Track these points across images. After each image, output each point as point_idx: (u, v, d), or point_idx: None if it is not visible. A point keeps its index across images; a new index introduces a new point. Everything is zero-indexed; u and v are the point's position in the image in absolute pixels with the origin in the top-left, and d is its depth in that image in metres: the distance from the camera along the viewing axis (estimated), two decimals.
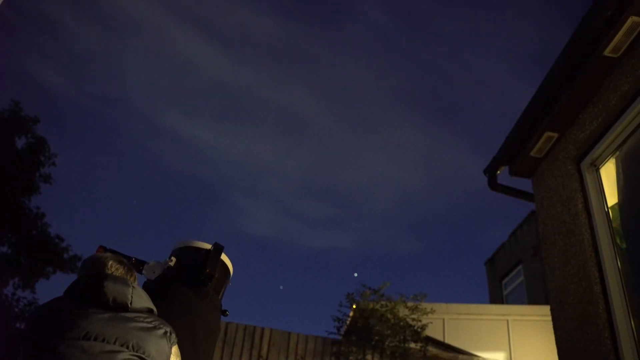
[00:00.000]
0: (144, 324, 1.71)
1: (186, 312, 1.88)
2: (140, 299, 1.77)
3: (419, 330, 7.63)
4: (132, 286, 1.77)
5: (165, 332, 1.73)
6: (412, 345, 7.49)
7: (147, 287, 1.94)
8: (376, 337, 7.39)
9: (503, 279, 15.46)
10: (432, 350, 7.66)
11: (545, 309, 7.44)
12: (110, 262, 1.87)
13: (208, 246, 2.04)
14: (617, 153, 3.57)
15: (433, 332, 8.27)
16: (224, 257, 2.07)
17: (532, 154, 4.28)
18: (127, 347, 1.62)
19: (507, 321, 9.54)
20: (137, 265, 1.97)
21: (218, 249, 2.03)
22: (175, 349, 1.77)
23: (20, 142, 12.04)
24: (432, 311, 8.07)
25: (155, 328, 1.72)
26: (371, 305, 7.83)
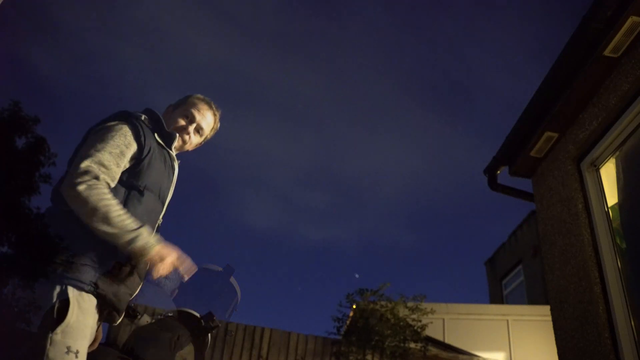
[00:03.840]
0: None
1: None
2: None
3: (419, 330, 7.63)
4: None
5: None
6: (412, 345, 7.48)
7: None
8: (376, 337, 7.39)
9: (503, 279, 15.46)
10: (432, 350, 7.66)
11: (545, 309, 7.44)
12: None
13: (219, 268, 2.21)
14: (617, 153, 3.57)
15: (433, 332, 8.26)
16: (232, 280, 2.22)
17: (532, 154, 4.28)
18: None
19: (507, 321, 9.54)
20: None
21: (229, 271, 2.20)
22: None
23: (20, 142, 12.07)
24: (432, 311, 8.07)
25: None
26: (371, 306, 7.83)
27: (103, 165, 1.77)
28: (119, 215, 1.71)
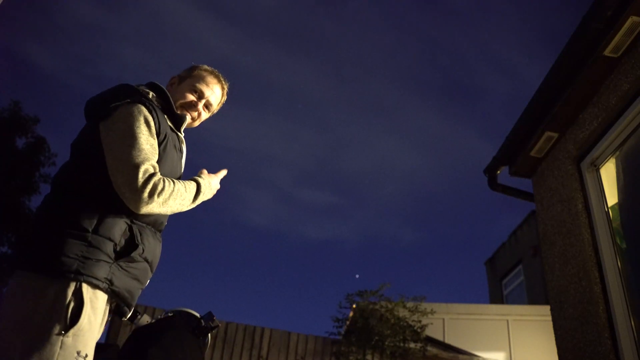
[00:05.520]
0: None
1: None
2: None
3: (418, 330, 7.63)
4: None
5: None
6: (412, 345, 7.49)
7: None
8: (376, 337, 7.39)
9: (503, 279, 15.47)
10: (432, 350, 7.66)
11: (545, 309, 7.45)
12: None
13: (197, 315, 2.26)
14: (617, 153, 3.57)
15: (433, 332, 8.27)
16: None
17: (532, 154, 4.28)
18: None
19: (507, 321, 9.54)
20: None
21: (208, 319, 2.20)
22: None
23: (20, 142, 12.07)
24: (432, 312, 8.07)
25: None
26: (371, 306, 7.84)
27: (152, 159, 1.68)
28: (185, 199, 1.76)
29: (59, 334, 1.48)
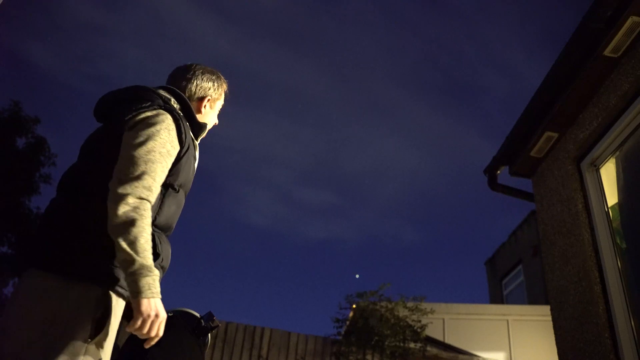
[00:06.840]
0: None
1: None
2: None
3: (418, 330, 7.63)
4: None
5: None
6: (412, 345, 7.49)
7: None
8: (376, 337, 7.39)
9: (503, 279, 15.46)
10: (432, 350, 7.67)
11: (545, 309, 7.45)
12: None
13: (198, 315, 2.25)
14: (617, 153, 3.58)
15: (433, 332, 8.27)
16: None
17: (532, 154, 4.29)
18: None
19: (507, 321, 9.54)
20: None
21: (208, 319, 2.16)
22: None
23: (20, 142, 12.07)
24: (432, 311, 8.07)
25: None
26: (371, 306, 7.84)
27: (154, 177, 1.59)
28: (147, 241, 1.50)
29: (85, 340, 1.46)
